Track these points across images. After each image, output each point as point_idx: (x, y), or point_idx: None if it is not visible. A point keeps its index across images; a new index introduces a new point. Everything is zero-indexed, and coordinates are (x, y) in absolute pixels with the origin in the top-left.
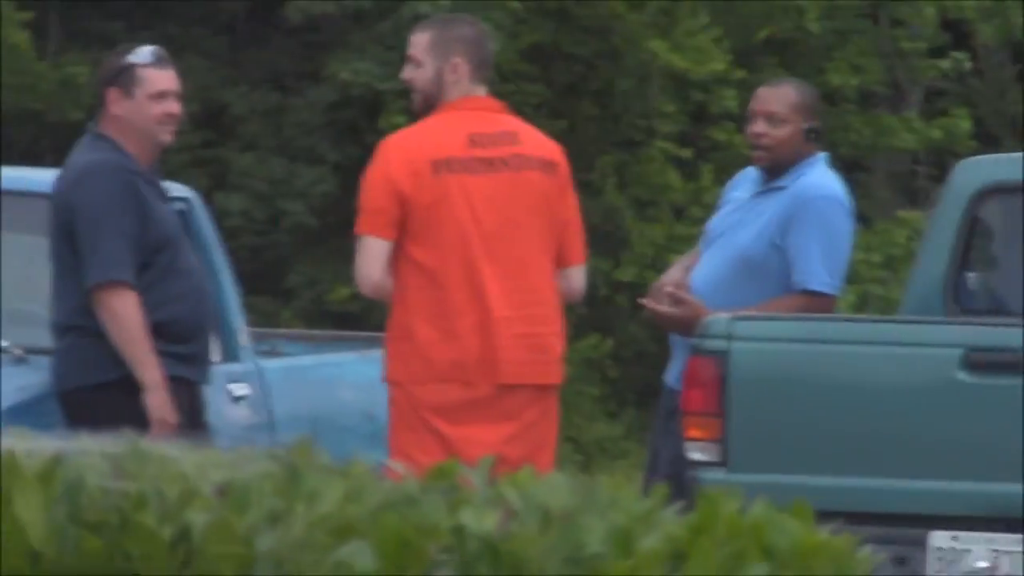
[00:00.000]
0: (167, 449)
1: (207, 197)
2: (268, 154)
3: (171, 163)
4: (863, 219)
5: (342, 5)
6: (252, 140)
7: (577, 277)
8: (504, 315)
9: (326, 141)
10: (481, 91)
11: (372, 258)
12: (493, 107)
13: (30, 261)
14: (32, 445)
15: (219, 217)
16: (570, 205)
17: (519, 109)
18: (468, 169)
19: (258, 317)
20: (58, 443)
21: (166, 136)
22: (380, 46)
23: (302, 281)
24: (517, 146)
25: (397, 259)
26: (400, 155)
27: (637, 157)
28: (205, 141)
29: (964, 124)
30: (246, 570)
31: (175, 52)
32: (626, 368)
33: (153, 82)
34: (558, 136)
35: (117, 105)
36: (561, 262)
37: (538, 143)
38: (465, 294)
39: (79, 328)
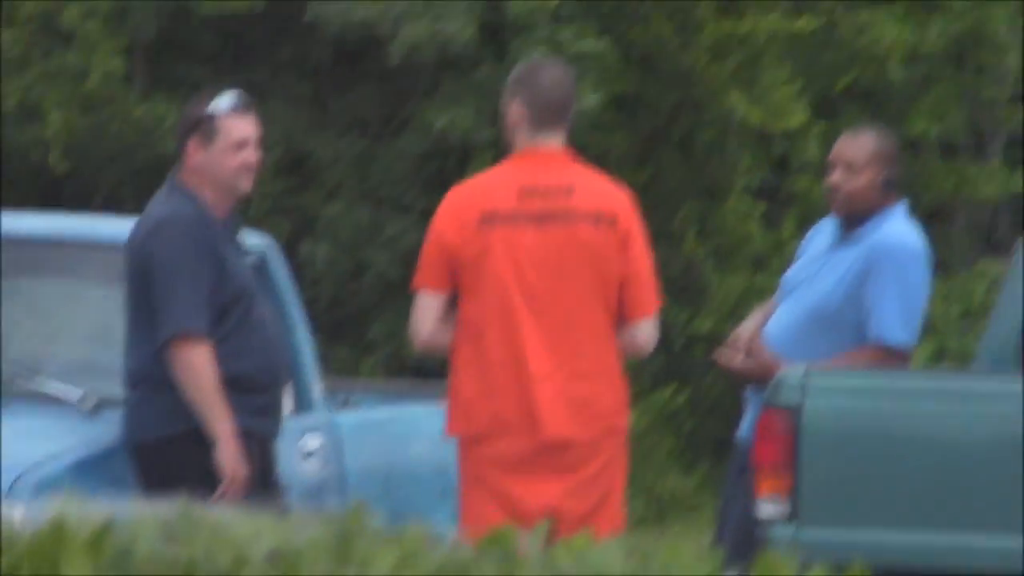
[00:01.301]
0: (219, 514)
1: (291, 245)
2: (354, 202)
3: (255, 210)
4: (942, 269)
5: (440, 50)
6: (338, 188)
7: (642, 331)
8: (543, 371)
9: (414, 190)
10: (551, 140)
11: (422, 313)
12: (556, 158)
13: (106, 311)
14: (83, 509)
15: (303, 266)
16: (633, 258)
17: (603, 158)
18: (515, 222)
19: (338, 368)
20: (110, 507)
21: (245, 185)
22: (476, 94)
23: (384, 332)
24: (570, 199)
25: (457, 313)
26: (450, 209)
27: (717, 208)
28: (289, 188)
29: None
30: None
31: (260, 97)
32: (702, 420)
33: (231, 131)
34: (641, 186)
35: (196, 155)
36: (624, 316)
37: (596, 195)
38: (504, 349)
39: (152, 379)
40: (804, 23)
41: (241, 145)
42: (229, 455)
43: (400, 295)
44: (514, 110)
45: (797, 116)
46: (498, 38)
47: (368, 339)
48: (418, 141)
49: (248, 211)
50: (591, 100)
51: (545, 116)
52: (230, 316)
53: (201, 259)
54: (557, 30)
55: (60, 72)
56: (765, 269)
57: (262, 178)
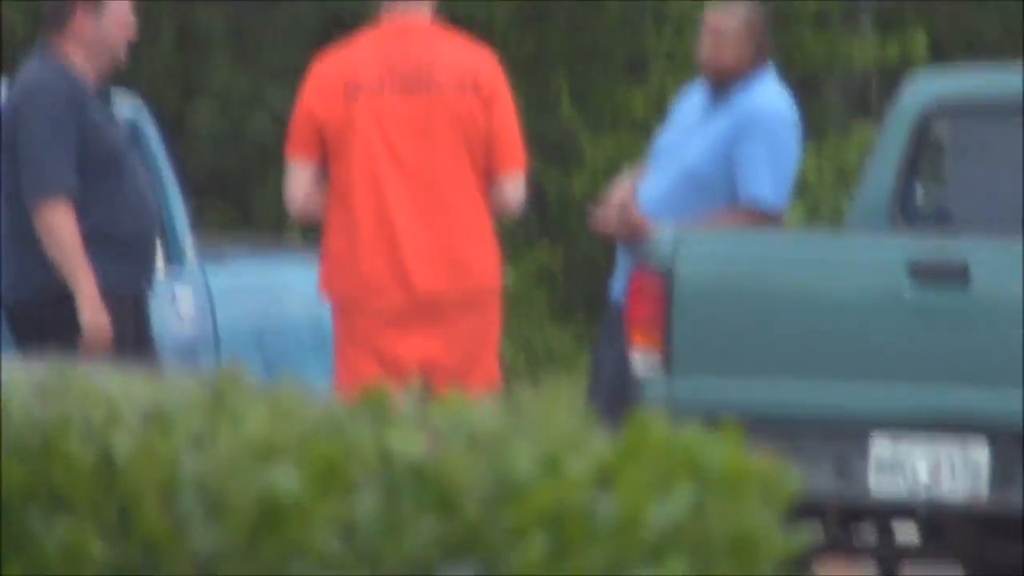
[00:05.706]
0: (92, 372)
1: (175, 109)
2: (239, 68)
3: (144, 77)
4: (815, 133)
5: None
6: (223, 54)
7: (509, 186)
8: (411, 229)
9: (302, 55)
10: (413, 10)
11: (294, 180)
12: (419, 28)
13: None
14: None
15: (185, 130)
16: (497, 116)
17: (487, 28)
18: (380, 92)
19: (218, 231)
20: None
21: (122, 55)
22: None
23: (266, 193)
24: (434, 69)
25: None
26: (317, 79)
27: (595, 68)
28: (176, 54)
29: (920, 42)
30: (171, 493)
31: None
32: (576, 277)
33: (124, 9)
34: (525, 56)
35: (83, 21)
36: (490, 173)
37: (459, 63)
38: (370, 210)
39: (25, 240)
40: None
41: (128, 22)
42: (92, 312)
43: (280, 157)
44: None
45: None
46: None
47: (248, 201)
48: (310, 10)
49: (138, 78)
50: None
51: None
52: (102, 178)
53: (68, 123)
54: None
55: None
56: (641, 130)
57: (152, 45)
